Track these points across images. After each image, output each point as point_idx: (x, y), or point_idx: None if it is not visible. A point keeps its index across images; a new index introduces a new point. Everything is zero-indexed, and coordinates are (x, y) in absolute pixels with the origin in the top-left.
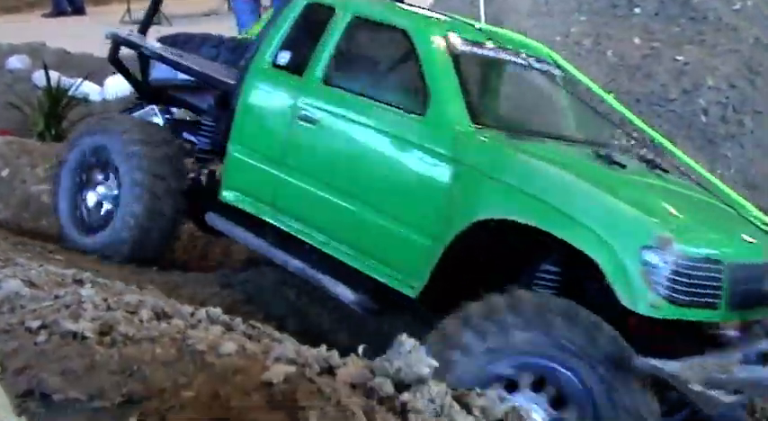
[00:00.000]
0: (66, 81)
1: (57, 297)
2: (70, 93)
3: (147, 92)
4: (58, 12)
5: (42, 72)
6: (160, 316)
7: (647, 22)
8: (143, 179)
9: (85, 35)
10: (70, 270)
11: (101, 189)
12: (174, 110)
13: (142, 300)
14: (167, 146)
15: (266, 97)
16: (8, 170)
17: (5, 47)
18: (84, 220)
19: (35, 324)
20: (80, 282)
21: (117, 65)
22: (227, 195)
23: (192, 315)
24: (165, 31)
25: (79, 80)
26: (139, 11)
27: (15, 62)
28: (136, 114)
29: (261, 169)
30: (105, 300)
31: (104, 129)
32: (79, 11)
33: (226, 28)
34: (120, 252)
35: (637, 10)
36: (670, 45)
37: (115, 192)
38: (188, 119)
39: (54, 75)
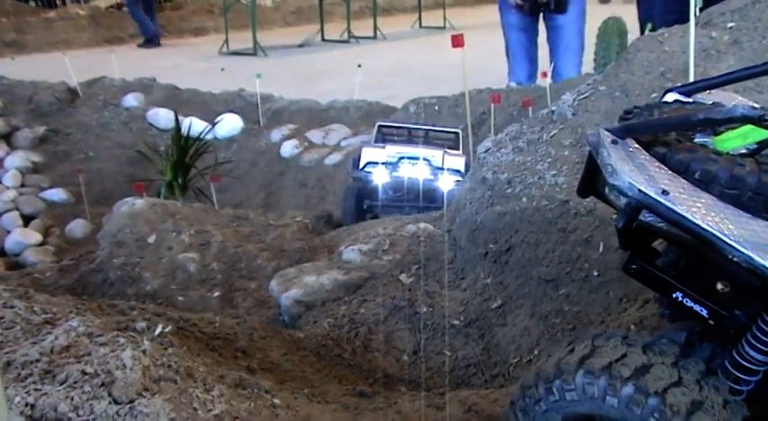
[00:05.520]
0: (180, 120)
1: None
2: (196, 133)
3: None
4: (147, 41)
5: (156, 110)
6: None
7: None
8: None
9: (184, 65)
10: None
11: None
12: None
13: None
14: None
15: None
16: (155, 236)
17: (119, 82)
18: None
19: None
20: None
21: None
22: None
23: None
24: (263, 62)
25: (206, 125)
26: (237, 40)
27: (131, 100)
28: None
29: None
30: None
31: None
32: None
33: (320, 60)
34: None
35: None
36: None
37: None
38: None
39: (184, 121)
